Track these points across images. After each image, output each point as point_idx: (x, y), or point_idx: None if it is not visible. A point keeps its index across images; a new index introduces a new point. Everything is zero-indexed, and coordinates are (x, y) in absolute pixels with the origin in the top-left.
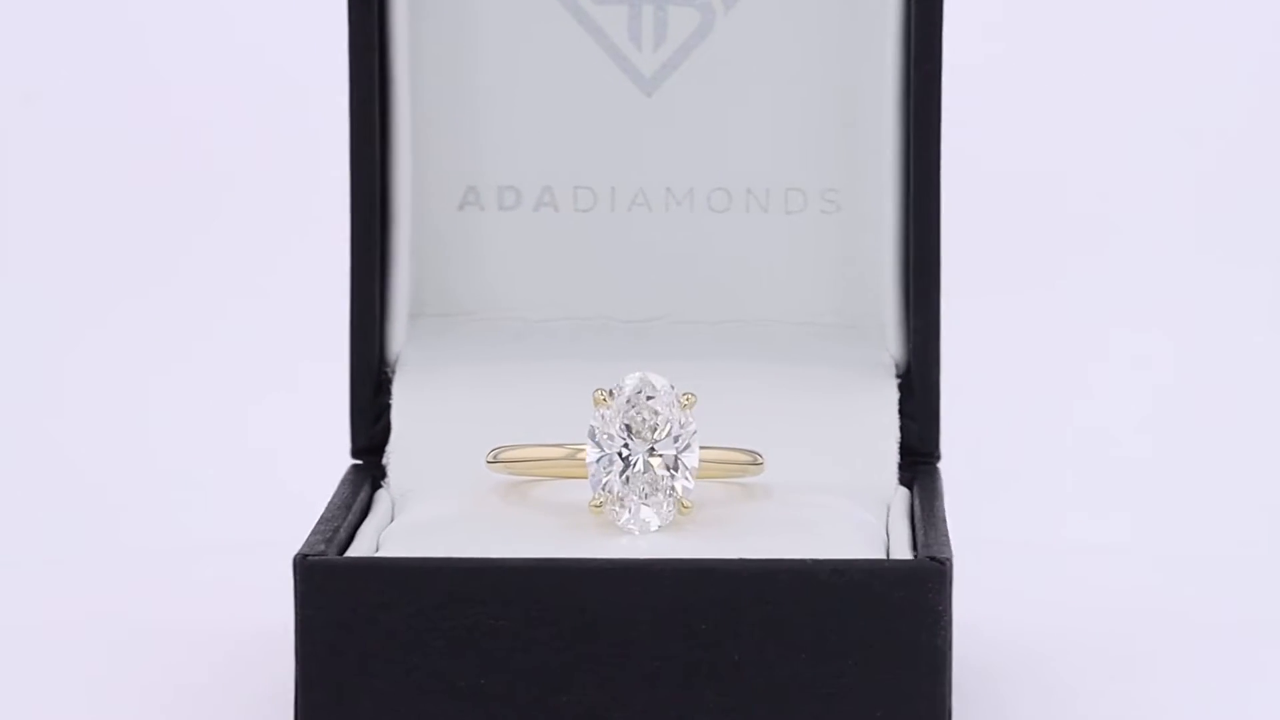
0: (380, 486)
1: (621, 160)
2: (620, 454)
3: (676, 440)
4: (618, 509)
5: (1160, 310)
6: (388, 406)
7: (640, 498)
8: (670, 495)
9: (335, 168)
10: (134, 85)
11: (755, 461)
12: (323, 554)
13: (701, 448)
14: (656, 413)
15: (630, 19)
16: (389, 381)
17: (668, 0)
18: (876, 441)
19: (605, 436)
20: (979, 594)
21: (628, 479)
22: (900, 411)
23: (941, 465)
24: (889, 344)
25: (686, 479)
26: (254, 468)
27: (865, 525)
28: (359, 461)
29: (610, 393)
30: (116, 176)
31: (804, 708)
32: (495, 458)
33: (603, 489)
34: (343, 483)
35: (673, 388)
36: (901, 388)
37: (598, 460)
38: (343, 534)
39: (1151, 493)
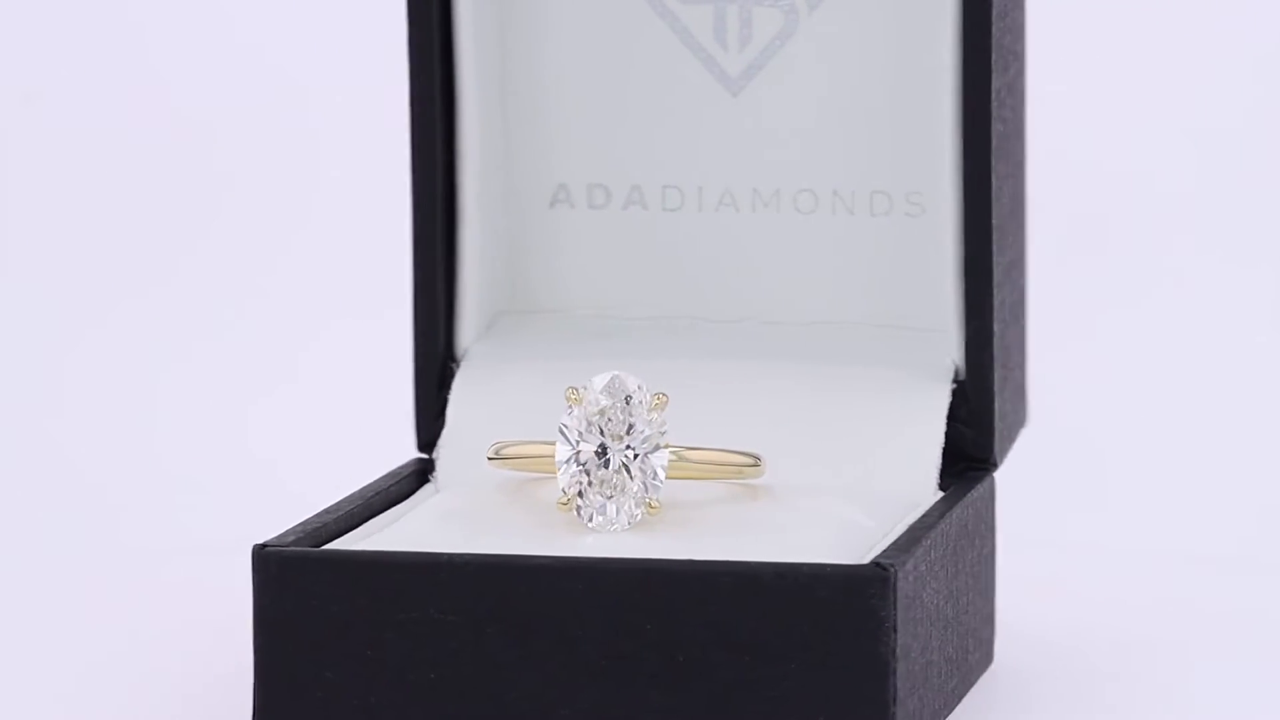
0: (429, 480)
1: (709, 160)
2: (589, 452)
3: (645, 440)
4: (585, 507)
5: (1238, 318)
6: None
7: (607, 497)
8: (637, 495)
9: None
10: (164, 81)
11: (752, 464)
12: (281, 545)
13: (700, 449)
14: (627, 412)
15: (715, 19)
16: (453, 376)
17: (752, 1)
18: (919, 446)
19: (575, 435)
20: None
21: (595, 478)
22: (955, 418)
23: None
24: (951, 349)
25: (655, 479)
26: (311, 462)
27: (853, 529)
28: (424, 455)
29: (581, 391)
30: (154, 174)
31: (747, 710)
32: (496, 454)
33: (570, 487)
34: (388, 475)
35: (641, 387)
36: (957, 393)
37: (567, 459)
38: (337, 525)
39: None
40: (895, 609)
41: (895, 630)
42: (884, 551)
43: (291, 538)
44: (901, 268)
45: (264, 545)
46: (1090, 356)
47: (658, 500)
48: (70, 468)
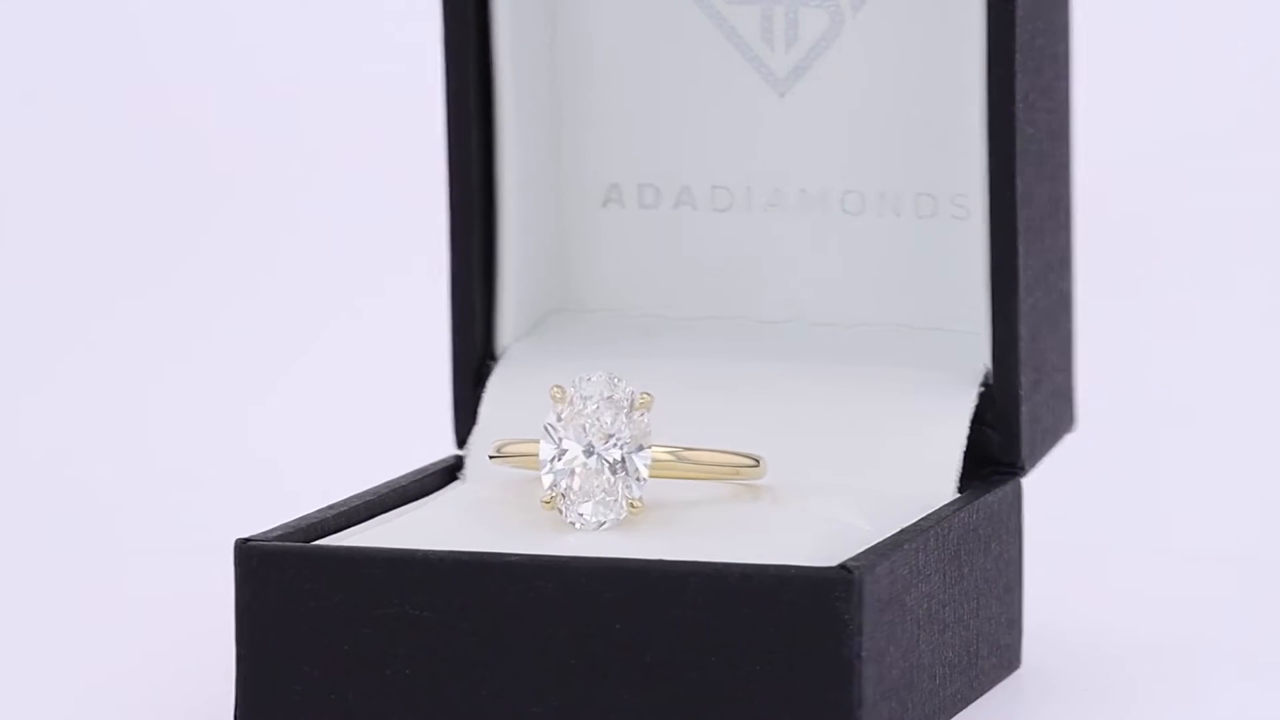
0: (457, 477)
1: (757, 160)
2: (573, 451)
3: (628, 440)
4: (568, 505)
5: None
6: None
7: (589, 495)
8: (620, 494)
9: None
10: (197, 81)
11: (750, 465)
12: (262, 540)
13: (700, 450)
14: (611, 412)
15: (762, 19)
16: (489, 374)
17: (798, 1)
18: (939, 448)
19: (559, 434)
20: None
21: (578, 477)
22: (983, 421)
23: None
24: (985, 353)
25: (637, 478)
26: (350, 458)
27: (845, 532)
28: (461, 452)
29: (566, 390)
30: (184, 173)
31: (714, 711)
32: (498, 451)
33: (554, 486)
34: (415, 471)
35: (626, 387)
36: (985, 397)
37: (551, 457)
38: (335, 521)
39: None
40: (861, 612)
41: (860, 633)
42: (858, 555)
43: (278, 532)
44: (945, 270)
45: (246, 539)
46: (1142, 362)
47: (640, 500)
48: (116, 464)
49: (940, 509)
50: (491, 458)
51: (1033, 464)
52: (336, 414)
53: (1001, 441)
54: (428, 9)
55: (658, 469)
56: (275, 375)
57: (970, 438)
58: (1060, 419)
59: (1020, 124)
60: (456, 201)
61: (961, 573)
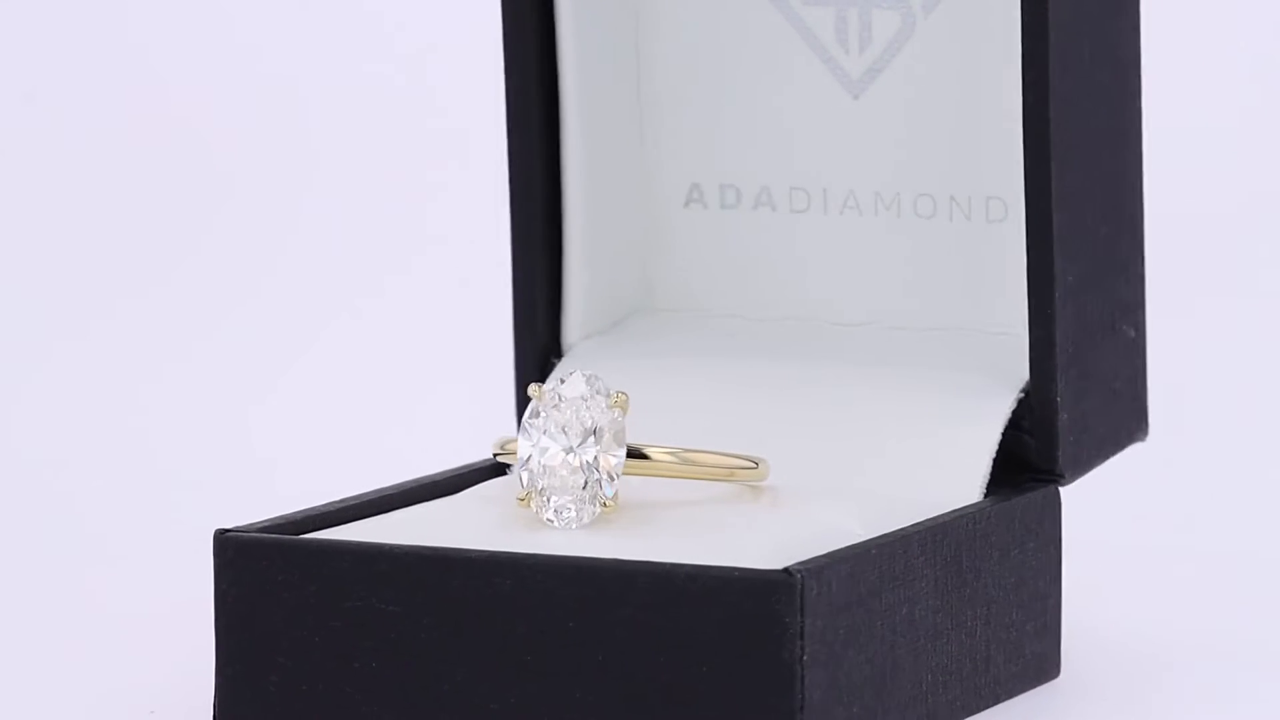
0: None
1: (833, 162)
2: (550, 450)
3: (603, 439)
4: (542, 503)
5: None
6: None
7: (563, 494)
8: (593, 493)
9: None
10: (236, 78)
11: (748, 467)
12: (240, 531)
13: (700, 451)
14: (586, 411)
15: (837, 21)
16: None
17: (871, 3)
18: (969, 453)
19: (536, 432)
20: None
21: (553, 475)
22: (1020, 427)
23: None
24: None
25: (610, 477)
26: (416, 451)
27: (820, 535)
28: None
29: (544, 389)
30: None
31: (662, 711)
32: (501, 449)
33: (531, 483)
34: (463, 466)
35: (602, 386)
36: (1024, 402)
37: (527, 455)
38: (341, 514)
39: None
40: (803, 616)
41: (803, 636)
42: (814, 558)
43: (264, 524)
44: (1013, 275)
45: (224, 530)
46: (1226, 370)
47: (613, 499)
48: (138, 461)
49: (942, 515)
50: (496, 456)
51: (1077, 472)
52: (399, 412)
53: (1039, 448)
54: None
55: (661, 470)
56: (333, 372)
57: (1009, 444)
58: (1121, 427)
59: (1057, 127)
60: (517, 201)
61: (964, 578)
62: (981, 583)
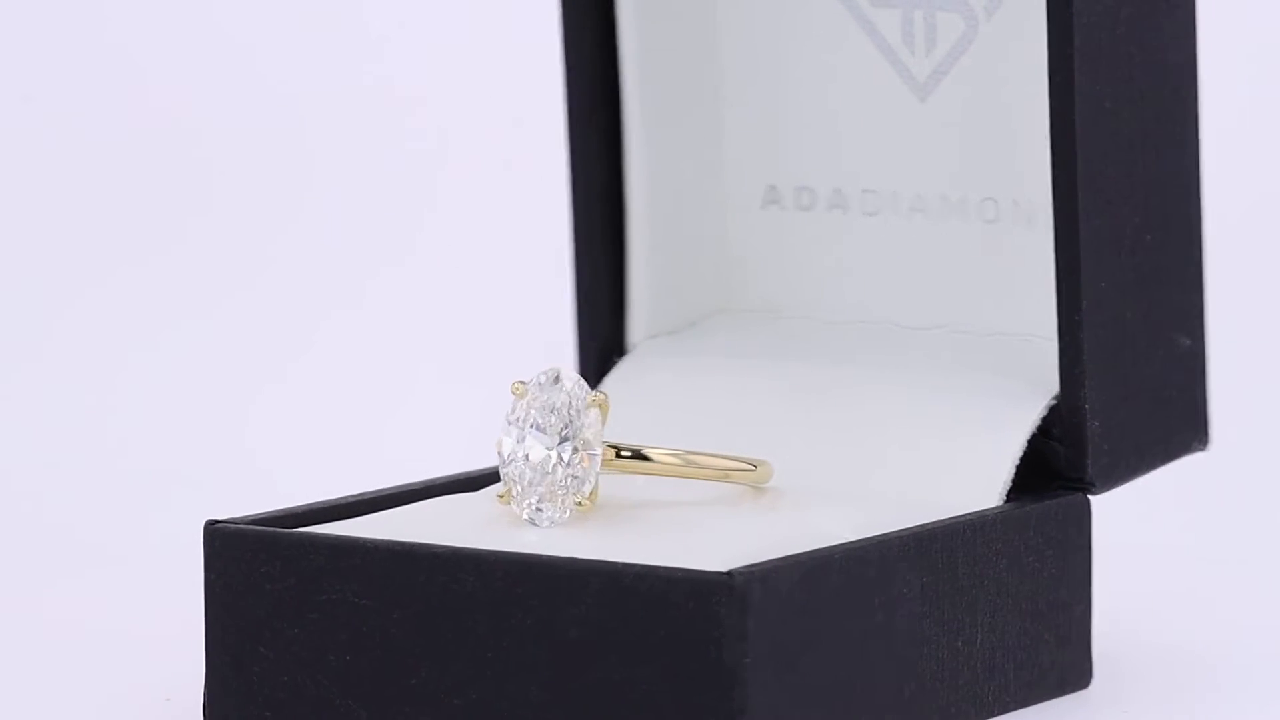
0: None
1: (901, 165)
2: (529, 448)
3: (581, 438)
4: (520, 501)
5: None
6: None
7: (540, 492)
8: (570, 492)
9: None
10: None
11: (747, 469)
12: (229, 522)
13: (704, 454)
14: (565, 411)
15: (904, 23)
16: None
17: (935, 6)
18: (990, 458)
19: (516, 430)
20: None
21: (533, 473)
22: (1049, 434)
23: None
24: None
25: (588, 476)
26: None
27: (800, 538)
28: None
29: (527, 386)
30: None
31: (612, 710)
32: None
33: (510, 481)
34: (485, 470)
35: (581, 385)
36: (1054, 410)
37: (509, 453)
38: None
39: None
40: (745, 618)
41: (745, 639)
42: (766, 561)
43: (255, 517)
44: None
45: (214, 521)
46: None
47: (590, 498)
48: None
49: (932, 520)
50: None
51: (1112, 482)
52: (460, 406)
53: (1068, 456)
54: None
55: (668, 471)
56: (359, 375)
57: (1041, 451)
58: (1172, 437)
59: (1085, 131)
60: (579, 200)
61: (959, 585)
62: (984, 590)
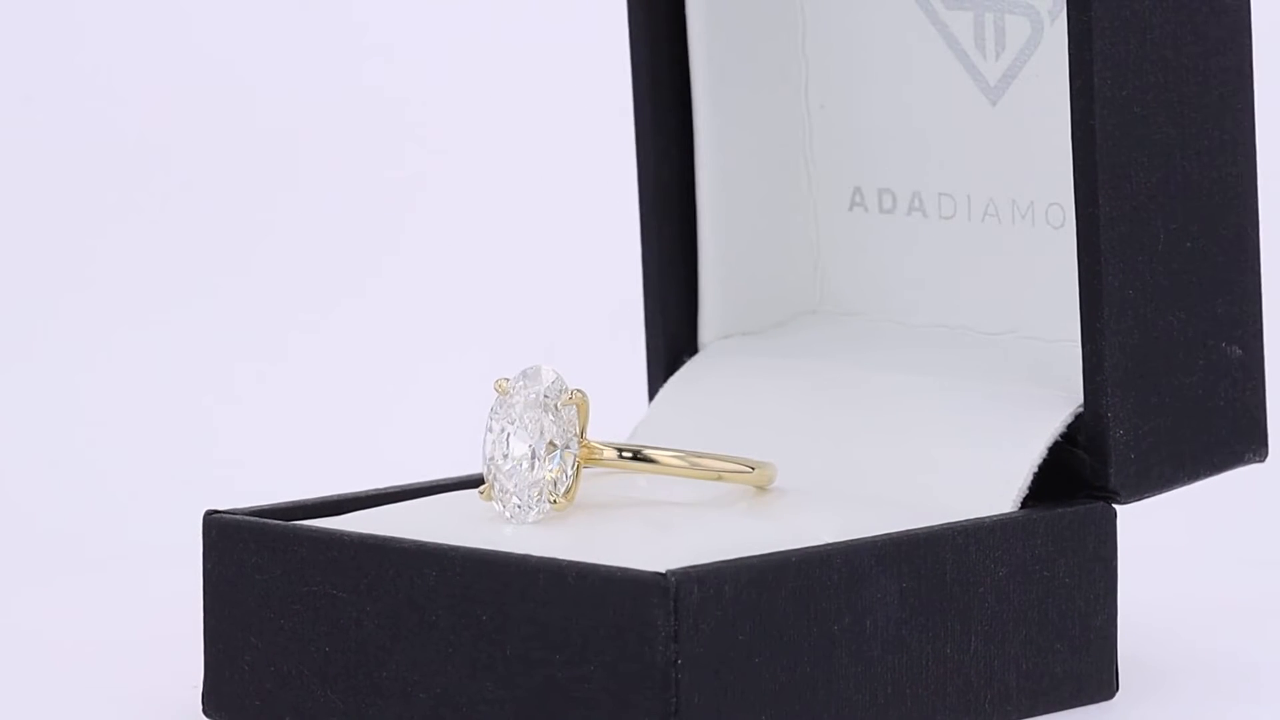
0: None
1: (975, 169)
2: (508, 445)
3: (559, 437)
4: (500, 498)
5: None
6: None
7: (519, 489)
8: (545, 489)
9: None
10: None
11: (746, 471)
12: (225, 513)
13: (707, 455)
14: (543, 409)
15: (975, 26)
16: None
17: (1005, 9)
18: (1008, 465)
19: (498, 427)
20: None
21: (512, 470)
22: (1076, 443)
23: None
24: None
25: (564, 474)
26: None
27: (783, 540)
28: None
29: (510, 384)
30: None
31: (559, 708)
32: None
33: (490, 477)
34: None
35: (559, 383)
36: (1080, 418)
37: (490, 450)
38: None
39: None
40: (676, 618)
41: (677, 640)
42: (711, 562)
43: (254, 508)
44: None
45: (213, 511)
46: None
47: (566, 495)
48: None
49: (923, 526)
50: None
51: (1141, 492)
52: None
53: (1092, 465)
54: None
55: (672, 471)
56: (439, 359)
57: (1068, 460)
58: (1219, 448)
59: (1107, 137)
60: (647, 202)
61: (949, 591)
62: (978, 597)
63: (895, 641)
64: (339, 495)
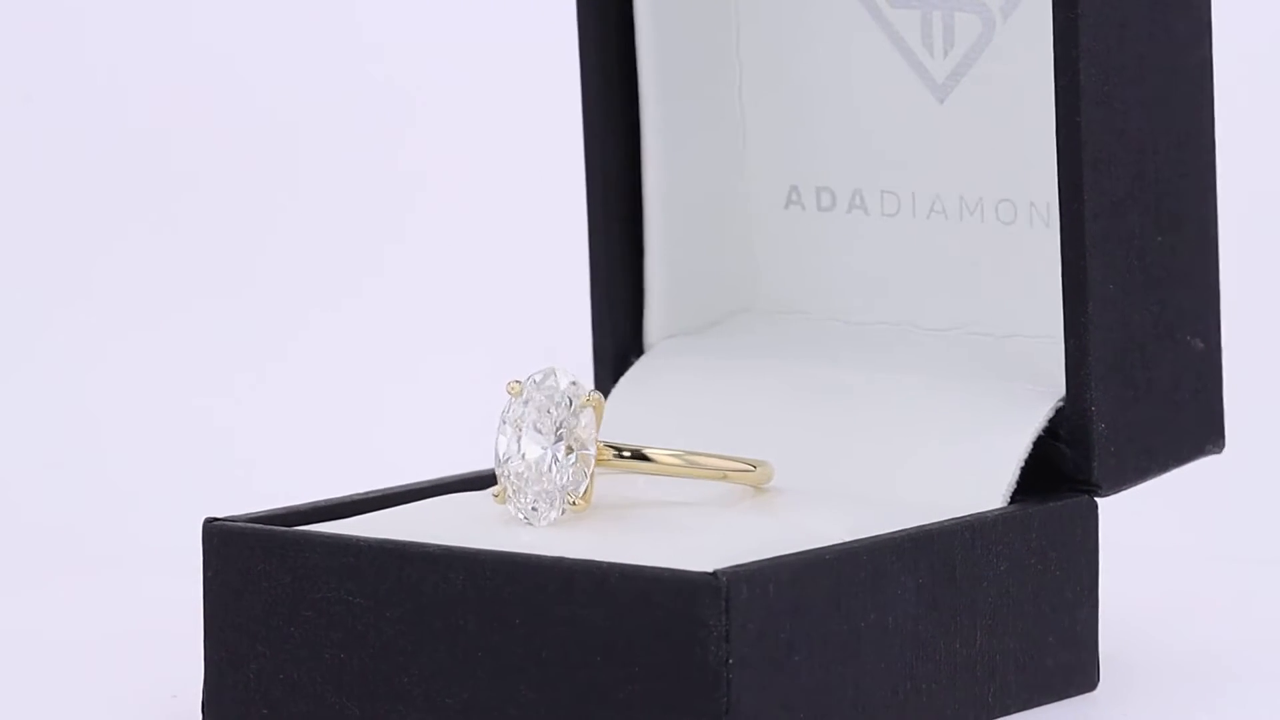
0: None
1: (920, 166)
2: (523, 447)
3: (575, 438)
4: (516, 501)
5: None
6: None
7: (535, 492)
8: (562, 491)
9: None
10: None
11: (747, 470)
12: (226, 520)
13: (704, 454)
14: (561, 410)
15: (923, 24)
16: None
17: (954, 7)
18: (996, 460)
19: (511, 429)
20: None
21: (528, 472)
22: (1057, 436)
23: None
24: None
25: (581, 476)
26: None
27: (793, 539)
28: None
29: (523, 386)
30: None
31: (599, 710)
32: None
33: (506, 479)
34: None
35: (575, 385)
36: (1061, 412)
37: (504, 452)
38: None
39: None
40: (728, 618)
41: (728, 639)
42: (752, 561)
43: (253, 515)
44: None
45: (213, 519)
46: None
47: (583, 497)
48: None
49: (931, 522)
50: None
51: (1120, 485)
52: (462, 405)
53: (1074, 459)
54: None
55: (668, 471)
56: (355, 374)
57: (1048, 454)
58: (1184, 439)
59: (1092, 133)
60: (595, 201)
61: (958, 587)
62: (983, 592)
63: (913, 637)
64: (336, 499)
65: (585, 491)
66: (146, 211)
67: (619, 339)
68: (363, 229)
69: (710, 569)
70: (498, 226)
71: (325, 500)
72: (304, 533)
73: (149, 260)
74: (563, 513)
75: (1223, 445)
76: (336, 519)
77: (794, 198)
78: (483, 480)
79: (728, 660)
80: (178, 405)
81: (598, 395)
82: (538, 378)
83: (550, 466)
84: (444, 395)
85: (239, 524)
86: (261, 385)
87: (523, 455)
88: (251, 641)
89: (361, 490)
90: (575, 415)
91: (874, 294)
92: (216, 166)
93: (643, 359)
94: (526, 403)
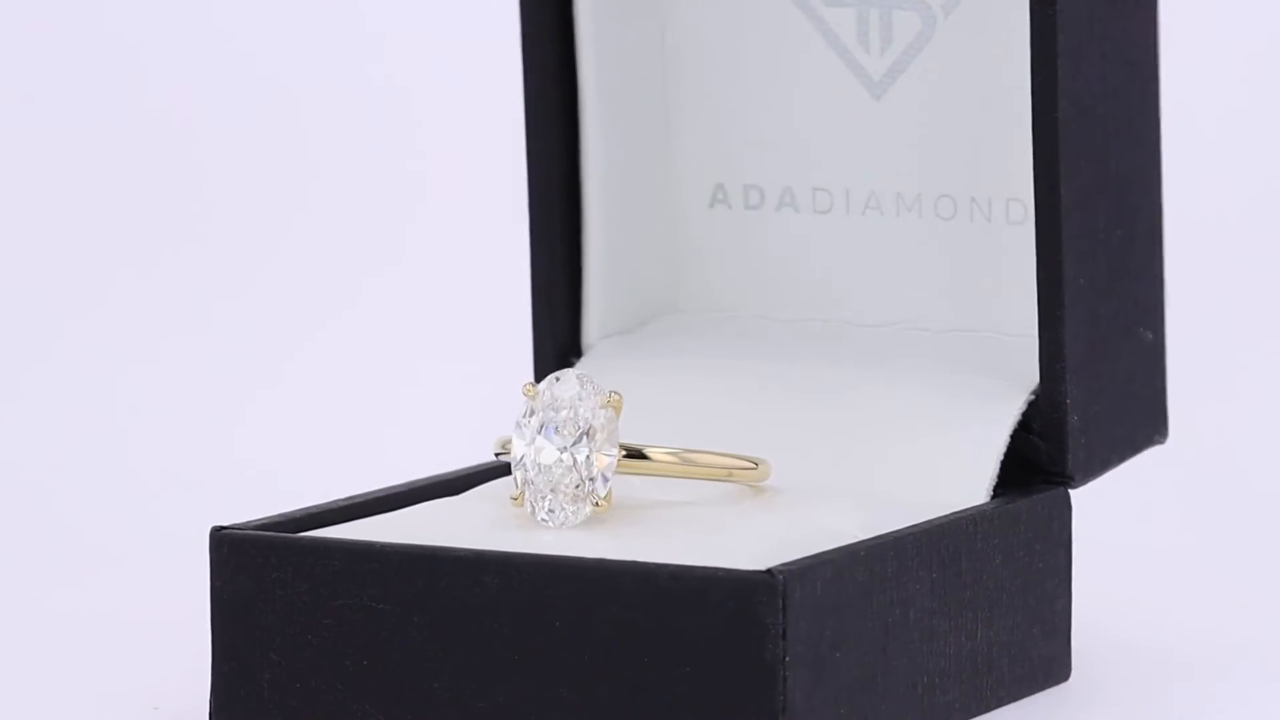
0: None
1: (855, 163)
2: (543, 449)
3: (596, 439)
4: (536, 503)
5: None
6: None
7: (555, 493)
8: (585, 492)
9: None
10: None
11: (747, 467)
12: (235, 528)
13: (702, 452)
14: (579, 411)
15: (859, 22)
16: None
17: (892, 5)
18: (975, 455)
19: (529, 432)
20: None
21: (546, 474)
22: (1030, 429)
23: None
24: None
25: (603, 477)
26: (426, 456)
27: (812, 536)
28: None
29: (539, 388)
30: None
31: (646, 710)
32: (503, 448)
33: (525, 482)
34: (473, 466)
35: (594, 387)
36: (1033, 405)
37: (521, 455)
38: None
39: None
40: (785, 616)
41: (785, 637)
42: (797, 559)
43: (261, 521)
44: (1032, 277)
45: (220, 527)
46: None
47: (606, 498)
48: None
49: (937, 516)
50: (496, 454)
51: (1089, 476)
52: (406, 412)
53: (1049, 451)
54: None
55: (662, 470)
56: (339, 373)
57: (1021, 447)
58: (1137, 430)
59: (1067, 129)
60: (536, 202)
61: (963, 581)
62: (983, 585)
63: (928, 631)
64: (337, 501)
65: (607, 493)
66: (149, 215)
67: (559, 340)
68: None
69: (758, 567)
70: (441, 229)
71: (327, 504)
72: (322, 539)
73: (149, 261)
74: (585, 515)
75: (1167, 435)
76: (339, 523)
77: (719, 196)
78: (477, 478)
79: (784, 658)
80: (178, 406)
81: (618, 395)
82: (554, 379)
83: (571, 469)
84: (411, 398)
85: (249, 532)
86: (249, 392)
87: (540, 458)
88: (265, 650)
89: (362, 491)
90: (595, 416)
91: (806, 291)
92: (221, 171)
93: (582, 361)
94: (546, 405)
